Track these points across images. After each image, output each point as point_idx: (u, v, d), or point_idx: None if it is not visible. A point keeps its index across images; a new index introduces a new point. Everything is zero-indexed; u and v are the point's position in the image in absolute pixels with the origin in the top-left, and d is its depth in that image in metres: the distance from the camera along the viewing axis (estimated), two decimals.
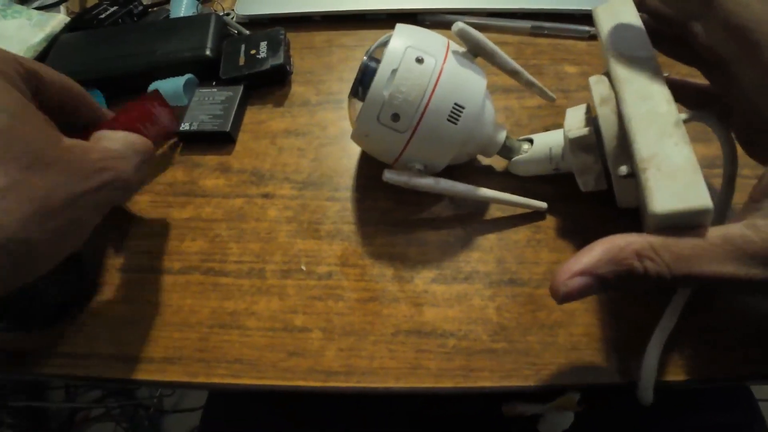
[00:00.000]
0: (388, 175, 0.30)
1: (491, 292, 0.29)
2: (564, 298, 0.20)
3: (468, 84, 0.27)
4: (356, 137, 0.31)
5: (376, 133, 0.28)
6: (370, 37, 0.45)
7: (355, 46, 0.44)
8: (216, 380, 0.28)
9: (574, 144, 0.27)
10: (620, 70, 0.25)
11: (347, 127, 0.38)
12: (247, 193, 0.35)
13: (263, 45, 0.39)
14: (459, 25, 0.27)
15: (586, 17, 0.43)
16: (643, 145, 0.22)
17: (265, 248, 0.32)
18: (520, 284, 0.30)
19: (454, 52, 0.28)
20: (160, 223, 0.34)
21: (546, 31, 0.43)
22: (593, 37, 0.42)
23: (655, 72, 0.24)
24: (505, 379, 0.27)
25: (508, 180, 0.33)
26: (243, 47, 0.40)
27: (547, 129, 0.36)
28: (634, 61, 0.25)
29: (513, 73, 0.30)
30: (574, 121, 0.29)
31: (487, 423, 0.44)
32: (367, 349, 0.28)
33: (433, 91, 0.26)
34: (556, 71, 0.40)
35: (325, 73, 0.42)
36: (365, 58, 0.29)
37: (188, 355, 0.28)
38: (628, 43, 0.26)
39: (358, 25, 0.45)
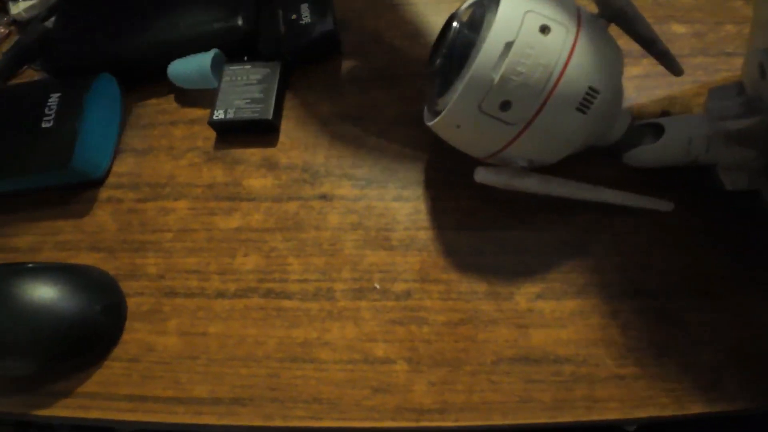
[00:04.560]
0: (483, 175, 0.24)
1: (612, 308, 0.25)
2: None
3: (606, 61, 0.21)
4: (441, 127, 0.24)
5: (474, 125, 0.22)
6: None
7: (406, 4, 0.36)
8: (295, 423, 0.24)
9: (733, 135, 0.21)
10: None
11: (409, 108, 0.32)
12: (301, 195, 0.30)
13: (305, 8, 0.32)
14: None
15: None
16: None
17: (331, 263, 0.28)
18: (648, 296, 0.25)
19: (588, 18, 0.21)
20: (204, 235, 0.29)
21: None
22: None
23: None
24: (639, 409, 0.23)
25: (617, 170, 0.27)
26: (281, 12, 0.32)
27: (660, 104, 0.30)
28: None
29: (648, 43, 0.23)
30: (727, 104, 0.22)
31: None
32: (464, 382, 0.24)
33: (563, 71, 0.20)
34: (662, 32, 0.32)
35: (372, 43, 0.35)
36: (455, 23, 0.22)
37: (260, 394, 0.25)
38: None
39: None
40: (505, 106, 0.21)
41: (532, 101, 0.20)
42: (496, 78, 0.20)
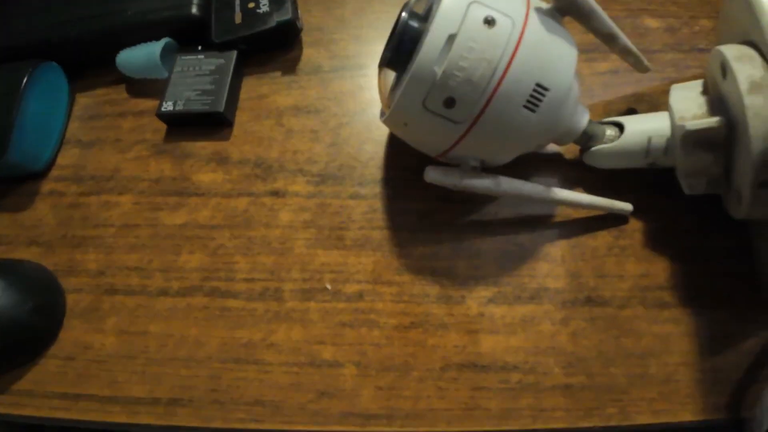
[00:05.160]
0: (432, 175, 0.23)
1: (564, 315, 0.24)
2: None
3: (556, 57, 0.19)
4: (391, 123, 0.23)
5: (420, 122, 0.21)
6: None
7: None
8: (235, 425, 0.23)
9: (691, 137, 0.20)
10: None
11: (371, 101, 0.31)
12: (252, 191, 0.29)
13: None
14: None
15: None
16: None
17: (280, 262, 0.27)
18: (601, 304, 0.24)
19: (538, 10, 0.20)
20: (148, 231, 0.28)
21: None
22: None
23: None
24: (584, 419, 0.22)
25: (578, 171, 0.27)
26: (237, 0, 0.31)
27: (627, 101, 0.29)
28: None
29: (608, 38, 0.22)
30: (688, 104, 0.21)
31: None
32: (411, 388, 0.24)
33: (508, 67, 0.19)
34: (634, 26, 0.31)
35: (337, 30, 0.33)
36: (404, 14, 0.21)
37: (200, 396, 0.24)
38: None
39: None
40: (450, 103, 0.20)
41: (476, 99, 0.19)
42: (439, 73, 0.19)
